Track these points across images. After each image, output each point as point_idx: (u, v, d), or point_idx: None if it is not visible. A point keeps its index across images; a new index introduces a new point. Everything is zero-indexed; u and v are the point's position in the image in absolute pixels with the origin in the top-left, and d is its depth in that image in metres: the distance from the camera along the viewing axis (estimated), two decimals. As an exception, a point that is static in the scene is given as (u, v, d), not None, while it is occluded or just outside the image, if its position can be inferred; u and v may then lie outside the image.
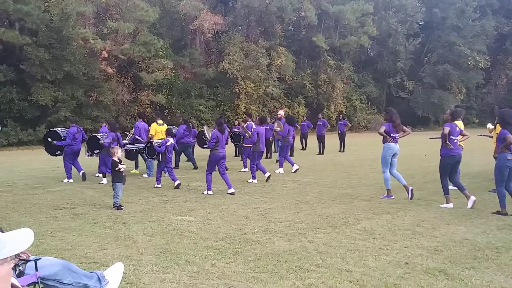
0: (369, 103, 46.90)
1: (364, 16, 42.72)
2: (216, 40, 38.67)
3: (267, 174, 10.50)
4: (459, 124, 8.20)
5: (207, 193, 8.81)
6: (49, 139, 11.08)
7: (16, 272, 2.70)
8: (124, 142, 12.06)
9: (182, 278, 4.09)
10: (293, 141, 13.70)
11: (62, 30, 25.67)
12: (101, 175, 10.81)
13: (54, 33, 25.91)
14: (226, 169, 9.57)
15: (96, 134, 11.65)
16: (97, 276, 3.45)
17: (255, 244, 5.15)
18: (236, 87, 35.70)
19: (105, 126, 12.98)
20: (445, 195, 7.49)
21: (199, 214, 6.89)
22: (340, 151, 19.25)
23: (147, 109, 31.21)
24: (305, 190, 9.22)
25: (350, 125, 24.22)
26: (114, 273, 3.64)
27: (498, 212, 6.80)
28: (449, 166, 7.49)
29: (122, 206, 7.37)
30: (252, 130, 11.29)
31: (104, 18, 30.18)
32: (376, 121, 45.08)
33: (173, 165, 11.10)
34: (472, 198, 7.33)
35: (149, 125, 12.20)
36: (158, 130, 11.66)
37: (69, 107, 26.17)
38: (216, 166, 8.92)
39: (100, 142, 10.78)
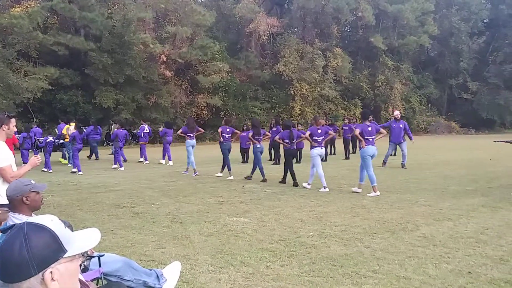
0: (429, 105, 45.35)
1: (425, 15, 41.42)
2: (271, 43, 38.82)
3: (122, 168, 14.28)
4: None
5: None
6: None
7: (81, 268, 2.83)
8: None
9: (237, 279, 4.12)
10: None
11: (124, 36, 26.78)
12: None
13: (116, 38, 27.09)
14: None
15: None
16: (156, 274, 3.55)
17: (310, 248, 5.11)
18: (291, 89, 35.66)
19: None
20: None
21: (254, 216, 6.92)
22: (391, 154, 18.43)
23: (204, 112, 31.83)
24: (361, 193, 9.03)
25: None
26: (172, 272, 3.73)
27: (247, 178, 11.22)
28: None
29: None
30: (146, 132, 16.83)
31: (163, 23, 31.13)
32: (436, 123, 43.51)
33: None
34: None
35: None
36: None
37: (130, 109, 27.28)
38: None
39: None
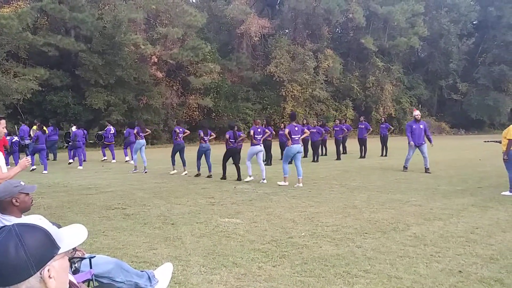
0: (420, 106, 45.68)
1: (415, 17, 41.70)
2: (262, 44, 38.87)
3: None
4: None
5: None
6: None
7: (72, 269, 2.81)
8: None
9: (229, 280, 4.11)
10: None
11: (115, 37, 26.64)
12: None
13: (107, 39, 26.94)
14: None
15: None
16: (148, 275, 3.53)
17: (302, 248, 5.11)
18: (282, 90, 35.70)
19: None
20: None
21: (246, 216, 6.92)
22: (382, 155, 18.65)
23: (195, 113, 31.77)
24: (353, 194, 9.07)
25: (392, 128, 22.84)
26: (163, 273, 3.72)
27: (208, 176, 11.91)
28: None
29: None
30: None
31: (154, 24, 31.04)
32: (427, 124, 43.71)
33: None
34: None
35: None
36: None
37: (121, 110, 27.13)
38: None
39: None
